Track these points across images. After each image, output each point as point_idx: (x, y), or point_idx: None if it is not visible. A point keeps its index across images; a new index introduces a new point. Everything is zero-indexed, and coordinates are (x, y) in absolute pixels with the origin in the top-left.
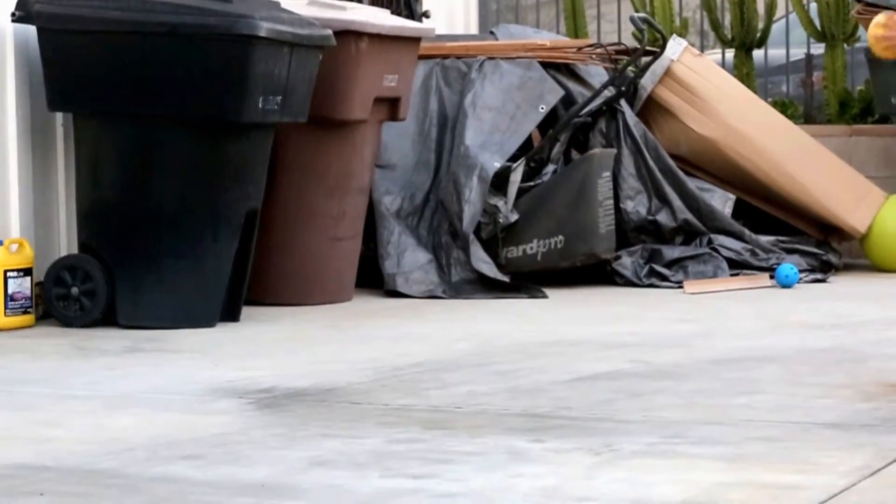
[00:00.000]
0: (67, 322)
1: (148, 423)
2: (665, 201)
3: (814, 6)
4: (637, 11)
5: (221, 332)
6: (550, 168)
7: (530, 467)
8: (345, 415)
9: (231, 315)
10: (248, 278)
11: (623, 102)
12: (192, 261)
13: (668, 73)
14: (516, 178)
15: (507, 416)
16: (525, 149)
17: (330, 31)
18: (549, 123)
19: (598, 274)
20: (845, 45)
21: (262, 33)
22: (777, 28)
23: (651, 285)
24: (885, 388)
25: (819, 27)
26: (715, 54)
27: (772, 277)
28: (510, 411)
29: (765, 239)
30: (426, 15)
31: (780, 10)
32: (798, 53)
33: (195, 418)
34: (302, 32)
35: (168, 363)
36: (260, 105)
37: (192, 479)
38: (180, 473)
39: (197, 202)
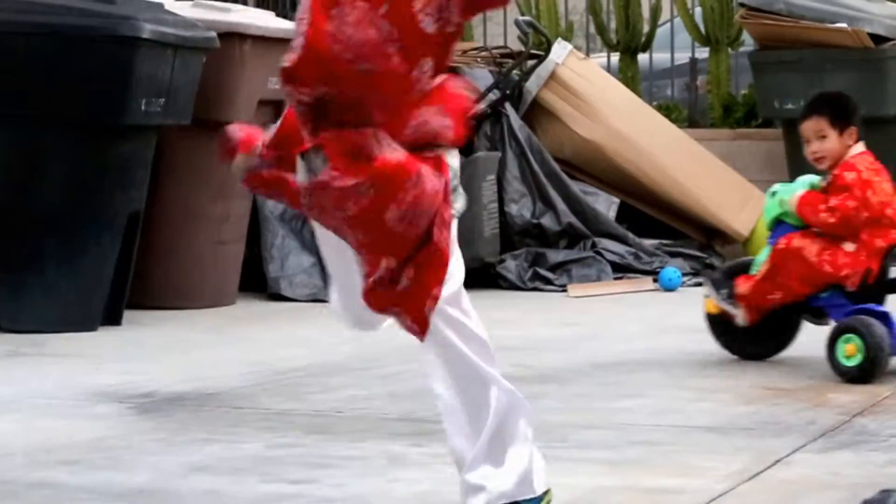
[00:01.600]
0: None
1: (27, 428)
2: (549, 205)
3: (698, 11)
4: (523, 15)
5: (103, 336)
6: None
7: (408, 472)
8: (225, 420)
9: (113, 319)
10: (130, 282)
11: (508, 106)
12: (73, 264)
13: (552, 76)
14: None
15: (387, 421)
16: None
17: (214, 34)
18: None
19: (483, 277)
20: (729, 50)
21: (145, 35)
22: (662, 32)
23: (535, 289)
24: (764, 392)
25: (703, 31)
26: (600, 58)
27: (655, 281)
28: (390, 416)
29: (648, 242)
30: None
31: (664, 15)
32: (683, 58)
33: (75, 423)
34: (185, 34)
35: (49, 367)
36: (143, 107)
37: (70, 484)
38: (58, 479)
39: (79, 205)
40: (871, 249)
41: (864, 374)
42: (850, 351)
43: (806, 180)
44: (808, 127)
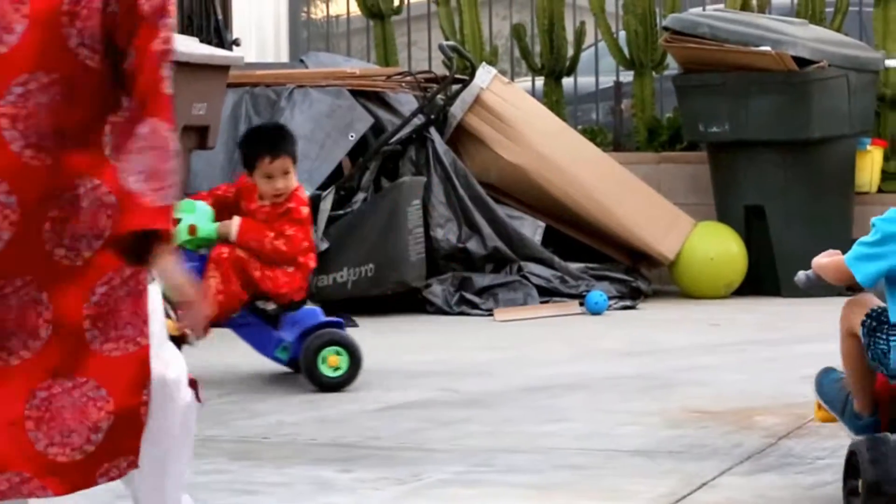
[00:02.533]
0: None
1: None
2: (475, 229)
3: (622, 34)
4: (447, 39)
5: None
6: (360, 196)
7: (336, 497)
8: None
9: None
10: None
11: (433, 130)
12: None
13: (477, 101)
14: (326, 206)
15: (314, 447)
16: (335, 177)
17: None
18: (359, 151)
19: (410, 302)
20: (654, 73)
21: None
22: (586, 56)
23: (462, 313)
24: (691, 415)
25: (628, 55)
26: (525, 82)
27: (581, 304)
28: (318, 441)
29: (574, 266)
30: (236, 43)
31: (589, 39)
32: (607, 81)
33: None
34: None
35: None
36: None
37: None
38: None
39: None
40: (307, 271)
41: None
42: (334, 362)
43: (199, 206)
44: (277, 167)
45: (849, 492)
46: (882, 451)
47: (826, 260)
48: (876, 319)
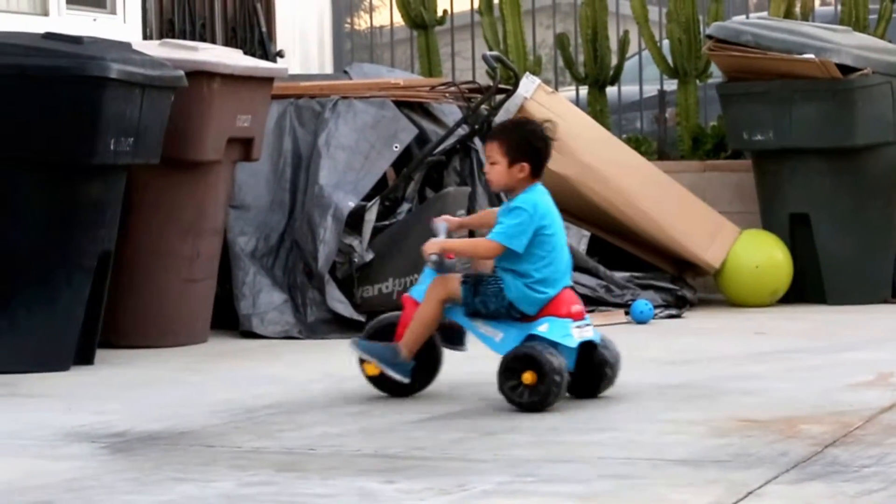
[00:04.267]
0: None
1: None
2: None
3: (666, 43)
4: (491, 49)
5: (75, 376)
6: (405, 207)
7: None
8: (197, 458)
9: (85, 358)
10: (101, 321)
11: (477, 140)
12: (44, 304)
13: (521, 110)
14: (371, 217)
15: (359, 458)
16: (380, 188)
17: (181, 72)
18: (403, 162)
19: None
20: (697, 82)
21: (113, 75)
22: (630, 65)
23: None
24: (736, 424)
25: (671, 64)
26: (569, 91)
27: (627, 314)
28: (363, 452)
29: (620, 275)
30: (280, 55)
31: (632, 48)
32: (651, 90)
33: (47, 464)
34: (153, 73)
35: (20, 408)
36: (112, 147)
37: None
38: None
39: (49, 245)
40: None
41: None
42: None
43: None
44: None
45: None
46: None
47: (466, 241)
48: (474, 279)
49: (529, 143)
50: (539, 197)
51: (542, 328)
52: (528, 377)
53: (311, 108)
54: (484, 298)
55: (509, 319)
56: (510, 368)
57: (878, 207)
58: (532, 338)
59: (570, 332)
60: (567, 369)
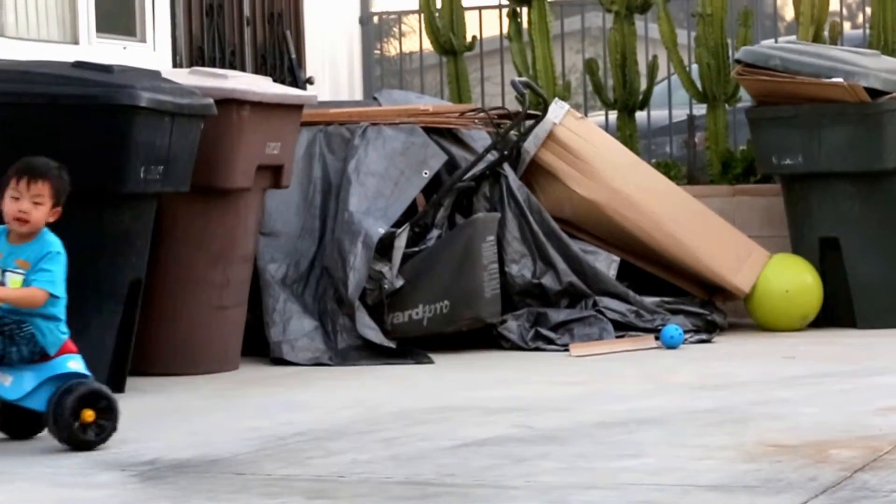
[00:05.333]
0: None
1: (31, 497)
2: (550, 264)
3: (695, 68)
4: (520, 75)
5: None
6: (435, 233)
7: None
8: (228, 486)
9: (116, 386)
10: (132, 349)
11: (506, 166)
12: (76, 332)
13: (550, 136)
14: (401, 243)
15: (389, 485)
16: (409, 214)
17: (211, 100)
18: (433, 188)
19: (485, 338)
20: (727, 106)
21: (143, 103)
22: (659, 90)
23: (537, 349)
24: (766, 449)
25: (700, 88)
26: (598, 116)
27: (657, 338)
28: (393, 479)
29: (649, 300)
30: (310, 81)
31: (662, 72)
32: (680, 115)
33: (78, 492)
34: (183, 102)
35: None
36: (142, 175)
37: None
38: None
39: (80, 273)
40: None
41: None
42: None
43: None
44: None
45: None
46: None
47: (22, 291)
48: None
49: (66, 190)
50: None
51: (74, 364)
52: (90, 414)
53: (341, 135)
54: (18, 346)
55: (22, 363)
56: (75, 409)
57: None
58: (69, 376)
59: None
60: None
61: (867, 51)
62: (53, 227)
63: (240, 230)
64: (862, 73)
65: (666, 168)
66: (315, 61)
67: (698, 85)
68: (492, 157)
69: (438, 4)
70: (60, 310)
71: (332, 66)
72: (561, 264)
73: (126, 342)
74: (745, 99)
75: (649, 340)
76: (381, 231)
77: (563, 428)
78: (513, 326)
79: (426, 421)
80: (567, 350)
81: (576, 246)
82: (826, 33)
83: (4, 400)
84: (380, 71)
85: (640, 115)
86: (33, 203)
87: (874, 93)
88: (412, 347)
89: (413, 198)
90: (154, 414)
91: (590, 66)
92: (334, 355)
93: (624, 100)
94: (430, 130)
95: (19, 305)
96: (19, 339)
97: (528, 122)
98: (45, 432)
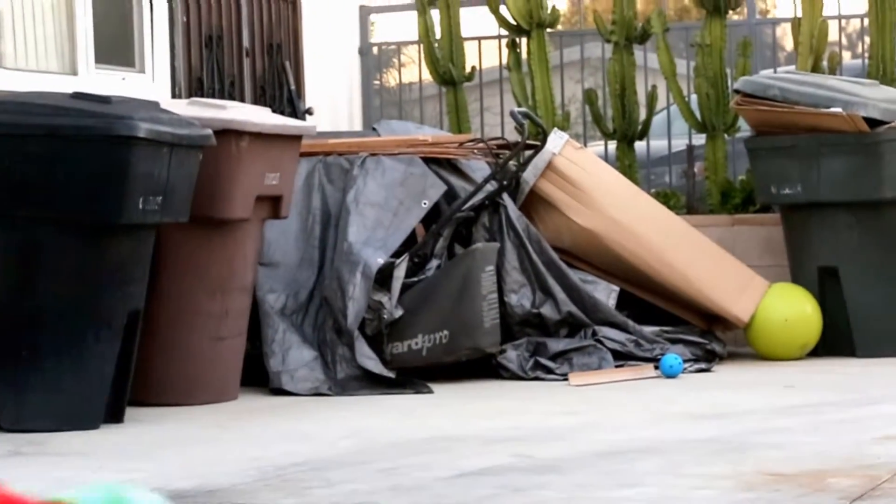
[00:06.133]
0: None
1: None
2: (549, 294)
3: (694, 98)
4: (519, 105)
5: (105, 434)
6: (434, 263)
7: None
8: None
9: (115, 416)
10: (131, 379)
11: (505, 196)
12: (74, 362)
13: (549, 166)
14: (400, 273)
15: None
16: (408, 244)
17: (210, 131)
18: (432, 218)
19: (484, 368)
20: (726, 136)
21: (142, 134)
22: (658, 120)
23: (536, 378)
24: (766, 478)
25: (700, 118)
26: (597, 146)
27: (656, 368)
28: None
29: (649, 329)
30: (309, 112)
31: (661, 102)
32: (680, 144)
33: None
34: (181, 132)
35: (49, 466)
36: (140, 206)
37: None
38: None
39: (79, 303)
40: None
41: None
42: None
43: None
44: None
45: None
46: None
47: None
48: None
49: None
50: None
51: None
52: None
53: (340, 166)
54: None
55: None
56: None
57: None
58: None
59: None
60: None
61: (866, 80)
62: (51, 258)
63: (238, 261)
64: (861, 102)
65: (665, 198)
66: (314, 92)
67: (697, 115)
68: (491, 187)
69: (438, 35)
70: None
71: (332, 96)
72: (560, 294)
73: (125, 372)
74: (744, 129)
75: (648, 370)
76: (381, 261)
77: (563, 458)
78: (512, 356)
79: (425, 451)
80: (566, 379)
81: (575, 276)
82: (825, 63)
83: None
84: (379, 101)
85: (640, 145)
86: None
87: (873, 122)
88: (411, 377)
89: (412, 228)
90: (152, 444)
91: (589, 97)
92: (333, 385)
93: (623, 130)
94: (429, 161)
95: None
96: None
97: (528, 153)
98: None
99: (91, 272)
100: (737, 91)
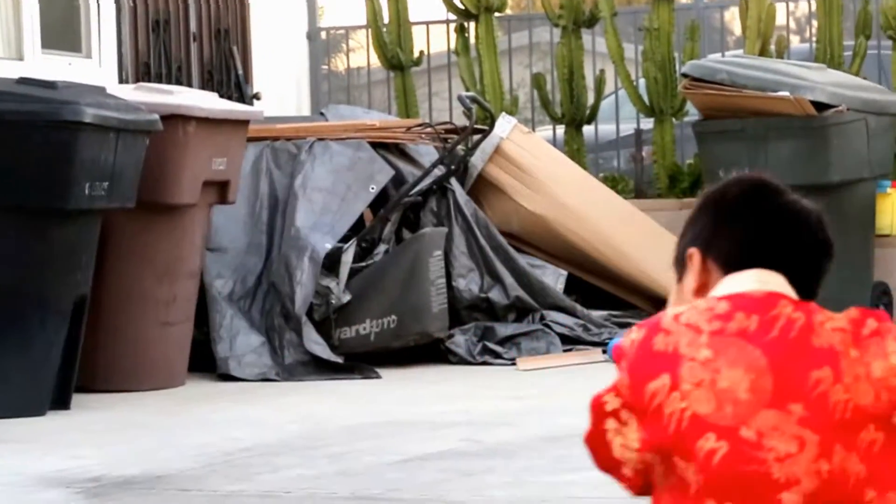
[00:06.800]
0: None
1: None
2: (497, 279)
3: (642, 82)
4: (467, 90)
5: (51, 421)
6: (382, 248)
7: None
8: (173, 502)
9: (61, 402)
10: (77, 365)
11: (453, 181)
12: (20, 349)
13: (497, 151)
14: (348, 258)
15: (335, 500)
16: (356, 229)
17: (156, 116)
18: (380, 203)
19: (432, 352)
20: (674, 120)
21: (88, 119)
22: (607, 104)
23: (485, 363)
24: None
25: (648, 102)
26: (546, 131)
27: (604, 352)
28: (339, 494)
29: (597, 314)
30: (257, 97)
31: (609, 87)
32: (628, 129)
33: None
34: (128, 118)
35: None
36: (86, 191)
37: None
38: None
39: (25, 289)
40: None
41: None
42: None
43: None
44: None
45: None
46: None
47: None
48: None
49: None
50: None
51: None
52: None
53: (288, 151)
54: None
55: None
56: None
57: (855, 244)
58: None
59: None
60: None
61: (813, 64)
62: None
63: (186, 246)
64: (808, 86)
65: (613, 182)
66: (262, 77)
67: (645, 99)
68: (439, 171)
69: (386, 19)
70: None
71: (280, 81)
72: (508, 278)
73: (71, 358)
74: (693, 113)
75: (596, 354)
76: (328, 246)
77: (510, 442)
78: (460, 341)
79: (373, 436)
80: (514, 364)
81: (523, 260)
82: (773, 47)
83: None
84: (327, 86)
85: (588, 130)
86: None
87: (820, 106)
88: (359, 362)
89: (360, 213)
90: (99, 430)
91: (537, 81)
92: (281, 371)
93: (571, 114)
94: (377, 145)
95: None
96: None
97: (476, 137)
98: None
99: (37, 258)
100: (685, 75)
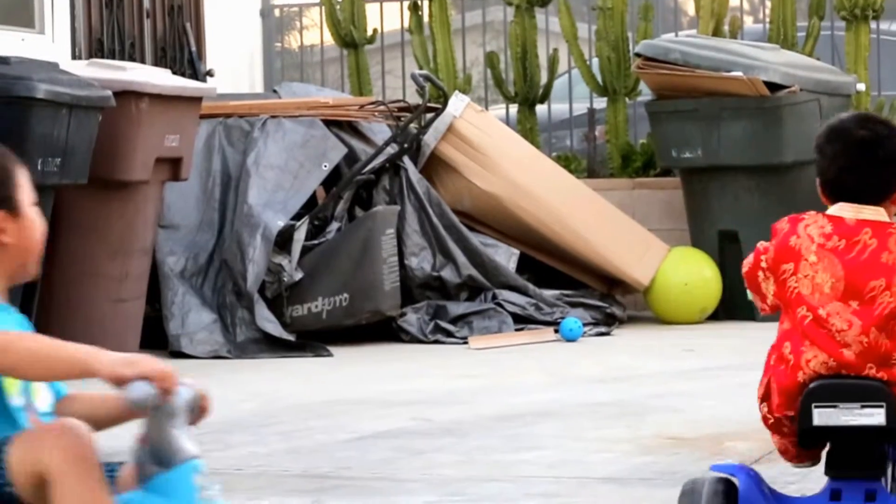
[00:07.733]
0: None
1: None
2: (449, 257)
3: (595, 61)
4: (420, 68)
5: None
6: (334, 226)
7: None
8: None
9: None
10: None
11: (406, 159)
12: None
13: (450, 129)
14: (300, 236)
15: (287, 478)
16: (309, 207)
17: (109, 92)
18: (332, 181)
19: (384, 331)
20: (627, 100)
21: (40, 95)
22: (560, 83)
23: (437, 341)
24: (663, 441)
25: (601, 82)
26: (499, 110)
27: (556, 331)
28: (290, 472)
29: (549, 293)
30: (210, 74)
31: (562, 66)
32: (581, 108)
33: None
34: (80, 93)
35: None
36: (39, 167)
37: None
38: None
39: None
40: None
41: None
42: None
43: None
44: None
45: None
46: None
47: None
48: None
49: None
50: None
51: None
52: None
53: (240, 128)
54: None
55: None
56: None
57: None
58: None
59: None
60: None
61: (767, 45)
62: None
63: (138, 223)
64: (762, 66)
65: (566, 161)
66: (215, 54)
67: (599, 78)
68: (392, 149)
69: None
70: None
71: (233, 58)
72: (461, 257)
73: None
74: (646, 92)
75: (548, 333)
76: (281, 224)
77: (462, 421)
78: (412, 319)
79: (324, 414)
80: (466, 343)
81: (476, 239)
82: (726, 27)
83: None
84: (280, 64)
85: (541, 109)
86: None
87: (774, 87)
88: (311, 340)
89: (313, 190)
90: None
91: (490, 60)
92: (233, 348)
93: (524, 93)
94: (330, 123)
95: None
96: None
97: (429, 116)
98: None
99: None
100: (638, 55)
